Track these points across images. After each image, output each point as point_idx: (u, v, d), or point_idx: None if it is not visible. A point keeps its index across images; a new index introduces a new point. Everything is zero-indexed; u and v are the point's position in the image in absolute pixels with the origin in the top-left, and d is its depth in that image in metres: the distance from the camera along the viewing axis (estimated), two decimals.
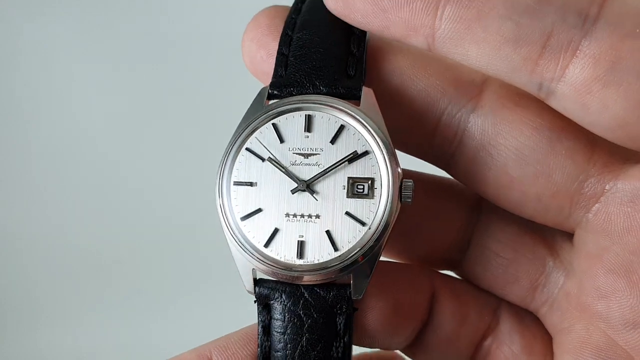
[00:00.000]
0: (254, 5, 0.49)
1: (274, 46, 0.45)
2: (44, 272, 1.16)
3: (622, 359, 0.43)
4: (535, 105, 0.43)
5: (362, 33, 0.46)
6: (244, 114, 0.45)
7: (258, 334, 0.44)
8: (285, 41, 0.45)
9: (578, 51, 0.37)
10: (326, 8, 0.44)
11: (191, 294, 1.11)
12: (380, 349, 0.48)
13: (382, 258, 0.48)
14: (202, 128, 1.09)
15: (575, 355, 0.44)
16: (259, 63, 0.46)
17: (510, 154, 0.44)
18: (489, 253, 0.48)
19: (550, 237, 0.48)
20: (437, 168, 0.49)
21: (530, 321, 0.49)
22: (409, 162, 0.48)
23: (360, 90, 0.44)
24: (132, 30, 1.14)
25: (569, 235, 0.46)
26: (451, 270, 0.51)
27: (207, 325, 0.45)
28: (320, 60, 0.45)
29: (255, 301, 0.44)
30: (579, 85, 0.38)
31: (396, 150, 0.46)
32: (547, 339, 0.48)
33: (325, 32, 0.46)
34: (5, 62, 1.15)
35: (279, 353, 0.43)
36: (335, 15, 0.44)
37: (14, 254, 1.16)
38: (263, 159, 0.44)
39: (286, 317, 0.43)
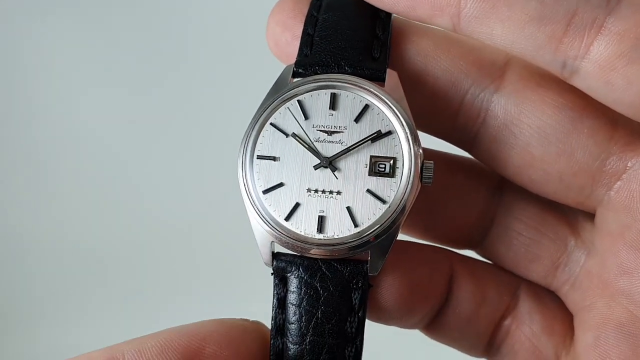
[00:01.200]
0: (257, 3, 0.49)
1: (299, 29, 0.46)
2: (44, 272, 1.16)
3: None
4: (557, 85, 0.44)
5: (387, 17, 0.46)
6: (261, 100, 0.46)
7: (273, 307, 0.44)
8: (311, 22, 0.46)
9: (602, 29, 0.38)
10: None
11: (192, 294, 1.11)
12: (398, 327, 0.48)
13: (402, 237, 0.48)
14: (203, 128, 1.09)
15: (597, 332, 0.44)
16: (283, 46, 0.46)
17: (533, 132, 0.44)
18: (511, 232, 0.49)
19: (572, 216, 0.48)
20: (459, 150, 0.49)
21: (550, 301, 0.49)
22: (431, 142, 0.49)
23: (385, 72, 0.45)
24: (131, 28, 1.15)
25: (590, 215, 0.47)
26: (472, 249, 0.51)
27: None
28: (345, 41, 0.45)
29: (272, 273, 0.44)
30: (603, 62, 0.38)
31: (420, 132, 0.47)
32: (567, 319, 0.49)
33: (351, 14, 0.46)
34: (4, 62, 1.15)
35: (293, 325, 0.43)
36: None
37: (14, 254, 1.15)
38: (287, 135, 0.45)
39: (302, 290, 0.43)
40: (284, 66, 0.46)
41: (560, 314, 0.49)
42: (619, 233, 0.43)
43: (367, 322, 0.45)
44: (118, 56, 1.15)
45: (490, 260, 0.51)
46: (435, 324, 0.49)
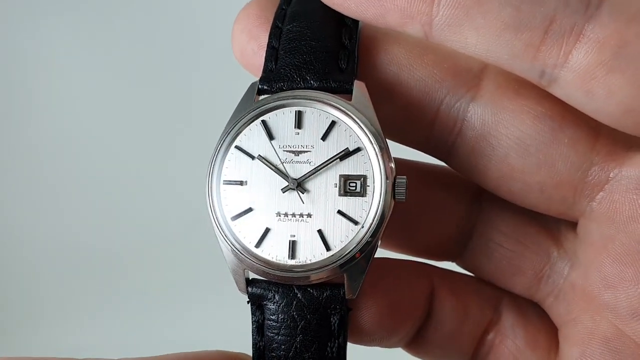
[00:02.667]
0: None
1: (265, 38, 0.44)
2: (43, 272, 1.16)
3: (630, 349, 0.42)
4: (535, 93, 0.42)
5: (354, 24, 0.44)
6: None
7: (252, 333, 0.43)
8: (276, 34, 0.44)
9: (582, 36, 0.36)
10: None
11: (192, 294, 1.11)
12: (379, 347, 0.47)
13: (382, 252, 0.47)
14: (203, 128, 1.08)
15: (583, 347, 0.43)
16: (250, 56, 0.45)
17: (512, 143, 0.43)
18: (492, 244, 0.47)
19: (554, 227, 0.47)
20: (436, 160, 0.47)
21: (533, 314, 0.48)
22: (408, 152, 0.47)
23: (352, 84, 0.43)
24: (131, 28, 1.14)
25: (573, 225, 0.45)
26: (452, 261, 0.50)
27: (208, 325, 0.44)
28: (310, 53, 0.44)
29: (248, 301, 0.43)
30: (582, 71, 0.37)
31: (395, 143, 0.46)
32: (550, 331, 0.48)
33: (316, 23, 0.44)
34: (4, 61, 1.15)
35: (273, 354, 0.42)
36: (328, 5, 0.43)
37: (14, 254, 1.15)
38: (253, 157, 0.43)
39: (280, 318, 0.42)
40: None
41: (544, 326, 0.48)
42: (602, 245, 0.42)
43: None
44: (117, 56, 1.15)
45: (472, 273, 0.50)
46: (417, 342, 0.47)
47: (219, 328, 0.45)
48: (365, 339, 0.45)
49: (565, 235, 0.47)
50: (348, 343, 0.44)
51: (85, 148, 1.17)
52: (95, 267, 1.15)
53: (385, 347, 0.47)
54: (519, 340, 0.47)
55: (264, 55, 0.44)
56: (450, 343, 0.47)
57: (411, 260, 0.48)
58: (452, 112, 0.44)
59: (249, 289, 0.43)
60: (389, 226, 0.44)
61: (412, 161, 0.48)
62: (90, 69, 1.16)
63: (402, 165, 0.47)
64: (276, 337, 0.42)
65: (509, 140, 0.43)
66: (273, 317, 0.42)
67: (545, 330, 0.48)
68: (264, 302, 0.43)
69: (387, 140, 0.45)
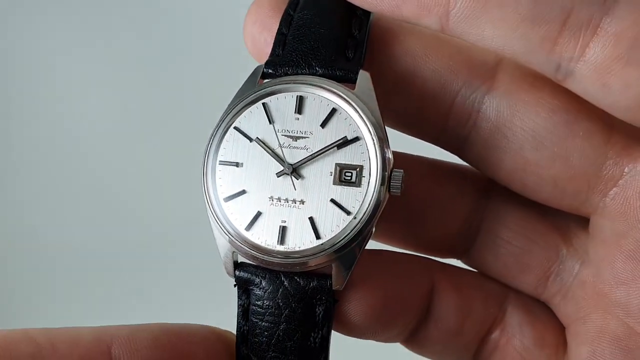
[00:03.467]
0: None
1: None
2: (43, 271, 1.15)
3: None
4: (551, 86, 0.42)
5: (366, 15, 0.44)
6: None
7: (237, 316, 0.43)
8: (286, 20, 0.44)
9: (599, 29, 0.36)
10: None
11: (192, 294, 1.11)
12: (374, 340, 0.46)
13: (383, 246, 0.47)
14: (203, 128, 1.08)
15: (593, 346, 0.42)
16: (262, 46, 0.44)
17: (527, 135, 0.42)
18: (499, 241, 0.47)
19: (564, 224, 0.46)
20: (448, 153, 0.47)
21: (540, 311, 0.47)
22: (418, 148, 0.47)
23: (357, 73, 0.42)
24: (130, 28, 1.14)
25: (584, 222, 0.45)
26: (457, 258, 0.49)
27: (197, 320, 0.43)
28: (318, 40, 0.43)
29: (235, 285, 0.43)
30: (599, 64, 0.36)
31: (407, 137, 0.45)
32: (558, 329, 0.47)
33: (327, 12, 0.44)
34: (4, 61, 1.16)
35: (255, 339, 0.42)
36: None
37: (13, 254, 1.15)
38: (251, 139, 0.43)
39: (265, 304, 0.42)
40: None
41: (552, 324, 0.47)
42: (614, 241, 0.41)
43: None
44: (116, 56, 1.15)
45: (477, 270, 0.49)
46: (416, 338, 0.47)
47: (212, 318, 0.45)
48: (355, 331, 0.44)
49: (575, 232, 0.46)
50: (350, 337, 0.44)
51: (83, 148, 1.17)
52: (95, 267, 1.15)
53: (381, 341, 0.46)
54: (527, 339, 0.46)
55: None
56: (452, 340, 0.46)
57: (410, 254, 0.47)
58: (467, 104, 0.43)
59: (237, 273, 0.43)
60: (394, 221, 0.44)
61: (418, 156, 0.48)
62: (87, 64, 1.16)
63: (408, 160, 0.47)
64: (260, 322, 0.42)
65: (524, 133, 0.42)
66: (258, 303, 0.42)
67: (552, 328, 0.47)
68: (251, 287, 0.42)
69: (399, 133, 0.45)
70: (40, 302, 1.17)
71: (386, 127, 0.43)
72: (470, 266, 0.49)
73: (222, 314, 0.48)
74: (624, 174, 0.41)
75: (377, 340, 0.46)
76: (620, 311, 0.41)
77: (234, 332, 0.43)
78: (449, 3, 0.38)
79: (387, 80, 0.43)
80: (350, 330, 0.44)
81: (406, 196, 0.43)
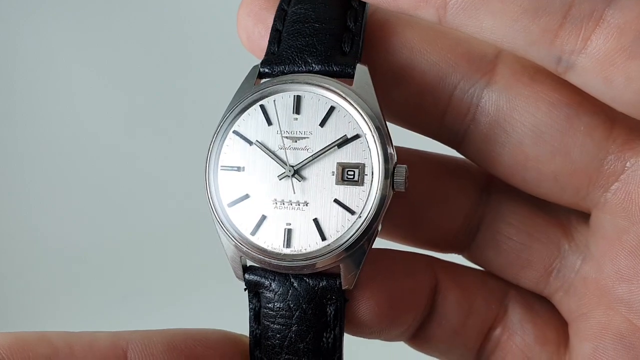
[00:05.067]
0: None
1: (272, 21, 0.43)
2: (42, 271, 1.15)
3: None
4: (551, 79, 0.41)
5: (361, 6, 0.43)
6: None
7: (249, 320, 0.43)
8: (280, 16, 0.43)
9: (601, 21, 0.35)
10: None
11: (192, 293, 1.10)
12: (379, 340, 0.46)
13: (387, 243, 0.47)
14: (203, 128, 1.08)
15: (595, 342, 0.42)
16: (256, 40, 0.44)
17: (527, 130, 0.41)
18: (500, 237, 0.46)
19: (566, 219, 0.46)
20: (448, 148, 0.46)
21: (541, 308, 0.47)
22: (418, 141, 0.46)
23: (354, 68, 0.42)
24: (129, 28, 1.14)
25: (585, 217, 0.44)
26: (459, 253, 0.49)
27: (207, 325, 0.43)
28: (313, 36, 0.42)
29: (245, 289, 0.43)
30: (601, 57, 0.36)
31: (406, 132, 0.45)
32: (559, 326, 0.46)
33: (321, 5, 0.43)
34: (3, 61, 1.15)
35: (268, 342, 0.42)
36: None
37: (13, 253, 1.15)
38: (250, 143, 0.42)
39: (275, 307, 0.41)
40: None
41: (553, 321, 0.47)
42: (616, 237, 0.41)
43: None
44: (115, 56, 1.14)
45: (479, 266, 0.49)
46: (419, 336, 0.46)
47: (222, 321, 0.45)
48: (363, 331, 0.44)
49: (577, 228, 0.45)
50: (353, 337, 0.44)
51: (84, 147, 1.17)
52: (95, 266, 1.15)
53: (387, 340, 0.46)
54: (528, 336, 0.46)
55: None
56: (455, 338, 0.46)
57: (414, 252, 0.47)
58: (466, 97, 0.43)
59: (246, 276, 0.42)
60: (395, 216, 0.43)
61: (420, 150, 0.47)
62: (87, 64, 1.15)
63: (409, 155, 0.46)
64: (272, 325, 0.41)
65: (523, 127, 0.42)
66: (269, 306, 0.42)
67: (553, 325, 0.46)
68: (261, 290, 0.42)
69: (398, 127, 0.45)
70: (49, 304, 1.17)
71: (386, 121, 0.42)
72: (472, 262, 0.49)
73: (234, 317, 0.48)
74: (626, 168, 0.40)
75: (382, 339, 0.46)
76: (622, 308, 0.41)
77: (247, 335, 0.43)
78: None
79: (385, 73, 0.43)
80: (357, 329, 0.44)
81: (408, 191, 0.42)
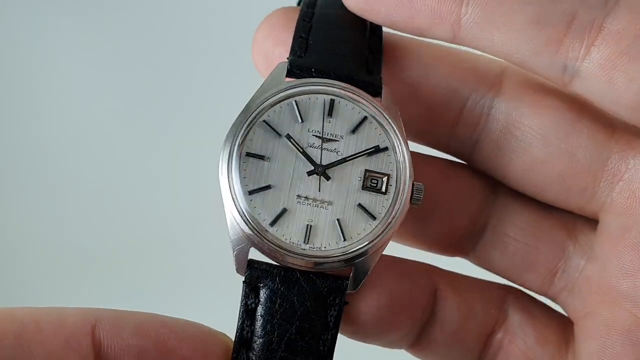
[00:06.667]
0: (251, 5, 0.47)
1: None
2: (42, 271, 1.15)
3: None
4: (553, 92, 0.44)
5: (379, 30, 0.46)
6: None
7: (239, 318, 0.41)
8: (304, 27, 0.45)
9: (602, 29, 0.38)
10: (341, 4, 0.44)
11: (192, 293, 1.09)
12: (378, 345, 0.47)
13: (389, 247, 0.47)
14: (203, 128, 1.08)
15: (602, 339, 0.43)
16: (276, 59, 0.45)
17: (535, 134, 0.44)
18: (506, 239, 0.48)
19: (570, 221, 0.47)
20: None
21: (539, 312, 0.48)
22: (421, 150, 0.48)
23: (381, 87, 0.44)
24: (130, 28, 1.13)
25: (589, 221, 0.46)
26: (464, 257, 0.50)
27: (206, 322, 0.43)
28: (341, 50, 0.44)
29: (244, 281, 0.41)
30: (604, 61, 0.38)
31: (415, 144, 0.47)
32: (558, 327, 0.47)
33: (343, 25, 0.45)
34: (5, 62, 1.13)
35: (263, 339, 0.41)
36: (356, 13, 0.44)
37: (12, 253, 1.15)
38: (280, 135, 0.42)
39: (278, 302, 0.41)
40: None
41: (552, 323, 0.48)
42: (620, 235, 0.43)
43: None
44: (115, 55, 1.13)
45: (483, 268, 0.50)
46: (421, 342, 0.47)
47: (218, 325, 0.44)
48: (360, 333, 0.44)
49: (581, 230, 0.47)
50: (352, 343, 0.44)
51: (84, 147, 1.16)
52: (95, 266, 1.14)
53: (387, 346, 0.47)
54: (529, 338, 0.47)
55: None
56: (456, 342, 0.47)
57: (412, 260, 0.48)
58: (477, 108, 0.45)
59: (248, 270, 0.41)
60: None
61: (426, 154, 0.49)
62: (88, 64, 1.15)
63: (415, 157, 0.47)
64: (270, 322, 0.41)
65: (531, 131, 0.44)
66: (270, 302, 0.41)
67: (553, 326, 0.47)
68: (261, 285, 0.41)
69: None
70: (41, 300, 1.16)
71: None
72: (477, 264, 0.50)
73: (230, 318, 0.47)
74: (629, 167, 0.43)
75: (383, 345, 0.46)
76: (628, 303, 0.42)
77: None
78: (461, 10, 0.40)
79: (399, 89, 0.45)
80: (355, 330, 0.44)
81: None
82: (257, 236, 0.41)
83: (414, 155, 0.47)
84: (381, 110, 0.43)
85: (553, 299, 0.48)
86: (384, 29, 0.46)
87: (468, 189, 0.48)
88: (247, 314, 0.41)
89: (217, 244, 0.47)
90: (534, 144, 0.44)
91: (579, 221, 0.47)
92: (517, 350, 0.47)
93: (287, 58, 0.44)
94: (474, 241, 0.48)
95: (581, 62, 0.39)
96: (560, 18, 0.39)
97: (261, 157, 0.42)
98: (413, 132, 0.46)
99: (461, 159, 0.48)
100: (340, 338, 0.43)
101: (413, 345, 0.47)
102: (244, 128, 0.42)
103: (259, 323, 0.41)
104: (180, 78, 1.11)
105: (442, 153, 0.49)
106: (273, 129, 0.42)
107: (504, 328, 0.47)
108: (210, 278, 0.95)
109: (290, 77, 0.43)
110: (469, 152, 0.47)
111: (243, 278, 0.42)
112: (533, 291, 0.49)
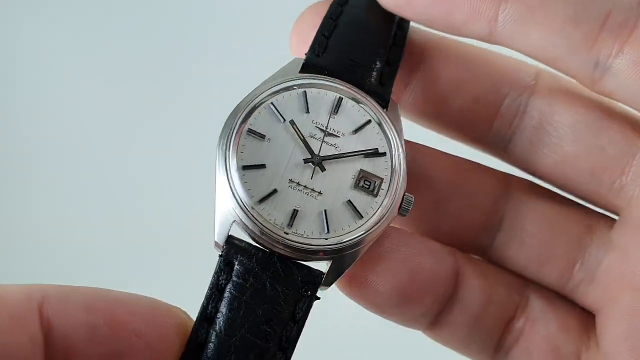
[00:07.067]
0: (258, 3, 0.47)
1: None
2: (41, 270, 1.14)
3: None
4: (584, 92, 0.46)
5: (402, 43, 0.46)
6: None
7: (208, 291, 0.40)
8: (329, 26, 0.46)
9: (635, 29, 0.40)
10: (371, 6, 0.46)
11: (191, 293, 1.09)
12: (398, 321, 0.47)
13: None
14: (203, 129, 1.07)
15: (627, 324, 0.43)
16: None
17: (567, 129, 0.46)
18: (523, 233, 0.48)
19: (586, 215, 0.48)
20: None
21: (560, 301, 0.48)
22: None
23: (389, 98, 0.45)
24: (129, 27, 1.13)
25: (603, 215, 0.48)
26: (479, 255, 0.50)
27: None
28: (359, 56, 0.45)
29: (220, 255, 0.41)
30: (636, 58, 0.40)
31: (452, 140, 0.49)
32: (580, 315, 0.47)
33: (368, 30, 0.46)
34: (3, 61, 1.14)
35: (226, 316, 0.40)
36: (392, 11, 0.45)
37: (12, 253, 1.14)
38: (284, 120, 0.43)
39: (250, 281, 0.40)
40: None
41: (573, 310, 0.48)
42: None
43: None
44: (114, 55, 1.13)
45: (500, 264, 0.49)
46: (440, 322, 0.47)
47: None
48: (380, 305, 0.44)
49: (598, 222, 0.48)
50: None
51: (84, 147, 1.16)
52: (95, 266, 1.14)
53: (406, 324, 0.47)
54: (551, 324, 0.47)
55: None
56: (476, 325, 0.47)
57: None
58: (514, 105, 0.47)
59: (226, 245, 0.41)
60: (418, 213, 0.46)
61: (440, 151, 0.49)
62: (88, 64, 1.14)
63: (431, 153, 0.49)
64: (238, 300, 0.40)
65: (564, 127, 0.46)
66: (241, 279, 0.40)
67: (574, 313, 0.47)
68: (236, 262, 0.41)
69: (445, 138, 0.50)
70: None
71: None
72: (494, 261, 0.50)
73: None
74: None
75: (401, 322, 0.46)
76: None
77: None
78: (499, 6, 0.41)
79: (443, 84, 0.47)
80: (375, 302, 0.44)
81: (432, 188, 0.46)
82: (243, 211, 0.41)
83: (430, 150, 0.48)
84: (386, 117, 0.44)
85: (570, 295, 0.48)
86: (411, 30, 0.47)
87: (482, 184, 0.49)
88: (217, 289, 0.40)
89: (200, 237, 0.46)
90: (566, 138, 0.46)
91: (594, 215, 0.48)
92: (538, 336, 0.47)
93: (305, 54, 0.45)
94: (491, 237, 0.48)
95: (613, 59, 0.40)
96: (596, 16, 0.40)
97: (261, 137, 0.43)
98: (455, 127, 0.48)
99: (495, 154, 0.49)
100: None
101: (432, 325, 0.47)
102: (250, 107, 0.43)
103: (226, 299, 0.40)
104: (180, 78, 1.11)
105: (454, 151, 0.50)
106: (279, 112, 0.43)
107: (526, 314, 0.47)
108: (189, 262, 0.94)
109: (307, 72, 0.45)
110: (504, 148, 0.48)
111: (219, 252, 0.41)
112: (551, 288, 0.48)
